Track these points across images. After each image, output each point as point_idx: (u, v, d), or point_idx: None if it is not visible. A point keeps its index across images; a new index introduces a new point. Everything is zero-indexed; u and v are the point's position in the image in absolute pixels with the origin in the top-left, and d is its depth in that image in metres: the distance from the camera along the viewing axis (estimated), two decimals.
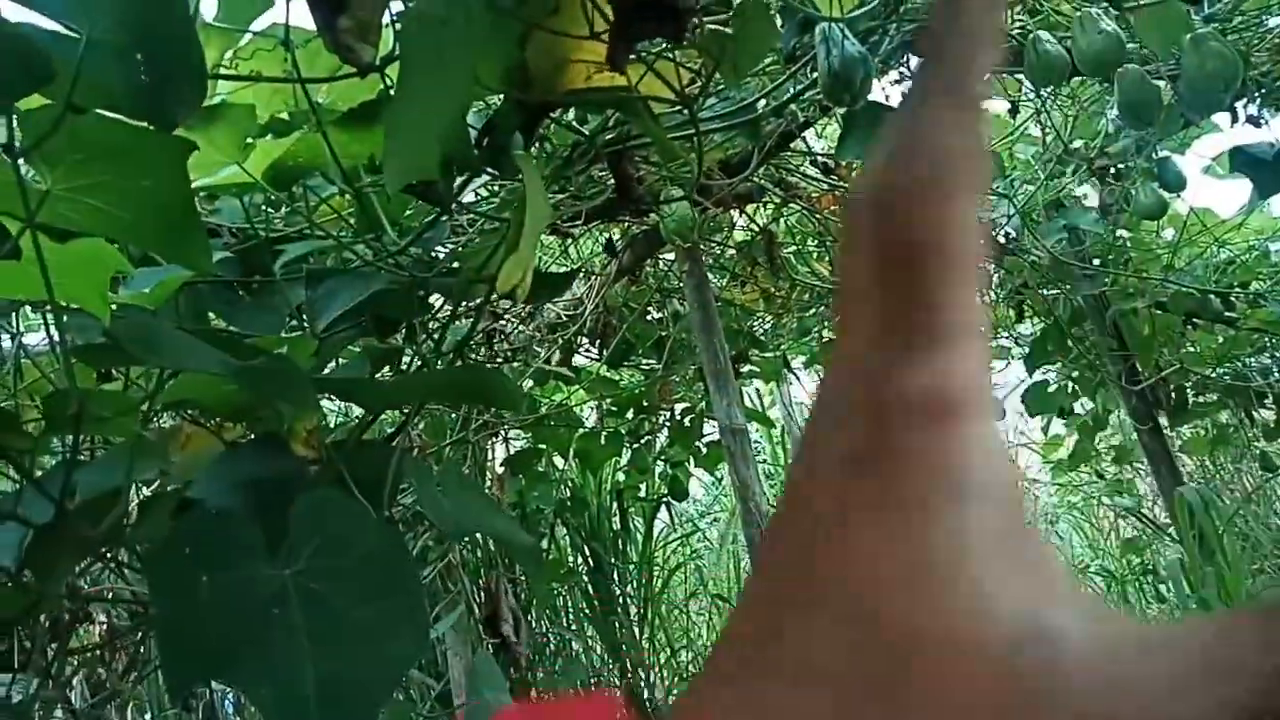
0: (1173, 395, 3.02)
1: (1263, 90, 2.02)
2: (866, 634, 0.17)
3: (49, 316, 0.82)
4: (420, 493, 0.74)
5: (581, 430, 3.02)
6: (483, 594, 2.00)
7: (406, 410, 0.99)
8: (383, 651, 0.55)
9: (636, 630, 3.02)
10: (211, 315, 1.05)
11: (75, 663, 1.17)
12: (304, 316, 1.01)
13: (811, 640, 0.18)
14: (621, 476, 3.26)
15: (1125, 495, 3.84)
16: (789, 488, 0.21)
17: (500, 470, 2.74)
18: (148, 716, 2.05)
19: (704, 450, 3.27)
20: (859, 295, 0.21)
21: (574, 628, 3.03)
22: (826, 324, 3.66)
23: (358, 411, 1.32)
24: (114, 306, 0.79)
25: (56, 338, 0.68)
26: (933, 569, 0.17)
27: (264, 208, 1.23)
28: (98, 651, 1.09)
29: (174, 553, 0.61)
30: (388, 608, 0.57)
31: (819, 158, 2.52)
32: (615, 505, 3.22)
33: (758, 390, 4.35)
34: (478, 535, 2.43)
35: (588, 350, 2.94)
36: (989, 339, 0.23)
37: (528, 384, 2.96)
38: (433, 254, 1.23)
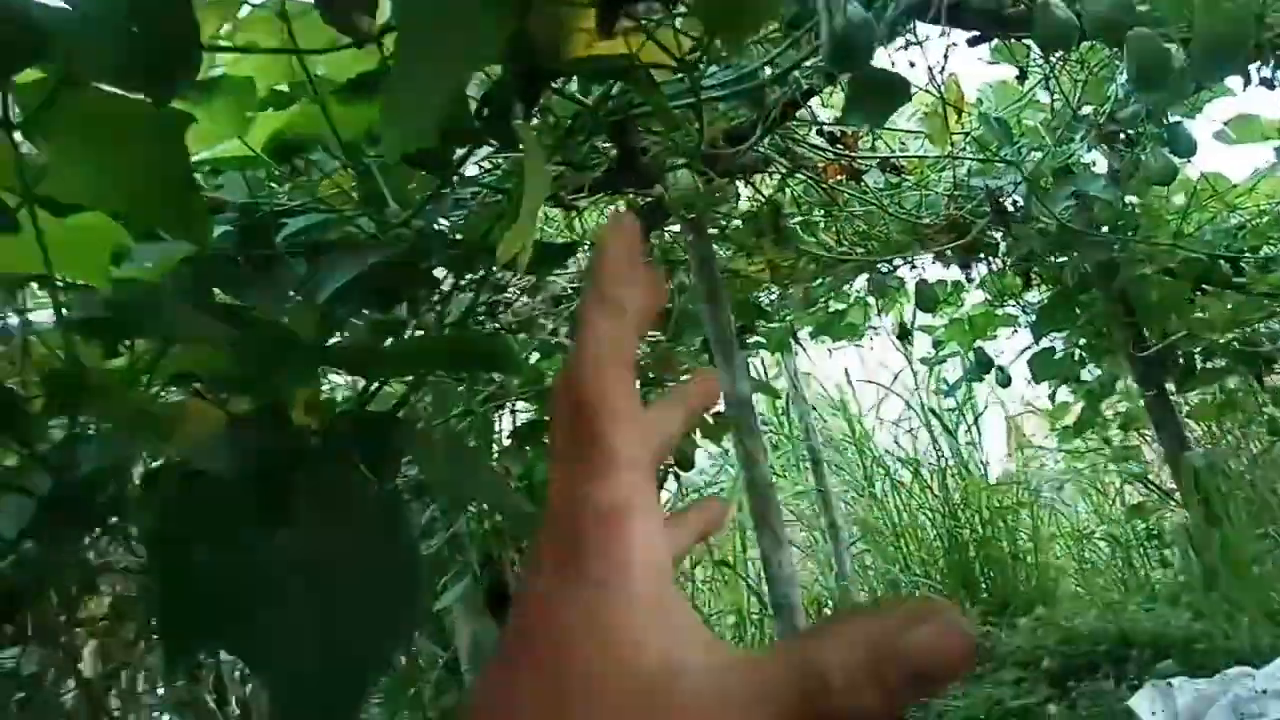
0: (1180, 361, 3.01)
1: (1277, 52, 1.98)
2: (557, 676, 0.26)
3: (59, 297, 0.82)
4: (422, 463, 0.75)
5: None
6: (483, 567, 2.02)
7: (410, 381, 1.00)
8: (383, 621, 0.56)
9: None
10: (217, 291, 1.05)
11: (85, 633, 1.18)
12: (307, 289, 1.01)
13: (518, 686, 0.27)
14: None
15: (1132, 462, 3.84)
16: (525, 572, 0.32)
17: (508, 443, 2.75)
18: (160, 688, 2.08)
19: (710, 422, 3.27)
20: (558, 439, 0.32)
21: None
22: (834, 294, 3.65)
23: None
24: (116, 281, 0.79)
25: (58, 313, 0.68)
26: (607, 626, 0.27)
27: (268, 182, 1.22)
28: (106, 622, 1.10)
29: (172, 524, 0.61)
30: (389, 578, 0.58)
31: (824, 126, 2.50)
32: None
33: (763, 361, 4.35)
34: (485, 506, 2.44)
35: None
36: (658, 460, 0.34)
37: (534, 357, 2.96)
38: (435, 226, 1.23)
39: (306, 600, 0.55)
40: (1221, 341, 3.19)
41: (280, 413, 0.83)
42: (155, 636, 1.18)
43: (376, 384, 1.09)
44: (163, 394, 1.12)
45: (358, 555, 0.58)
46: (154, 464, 0.91)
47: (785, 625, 2.03)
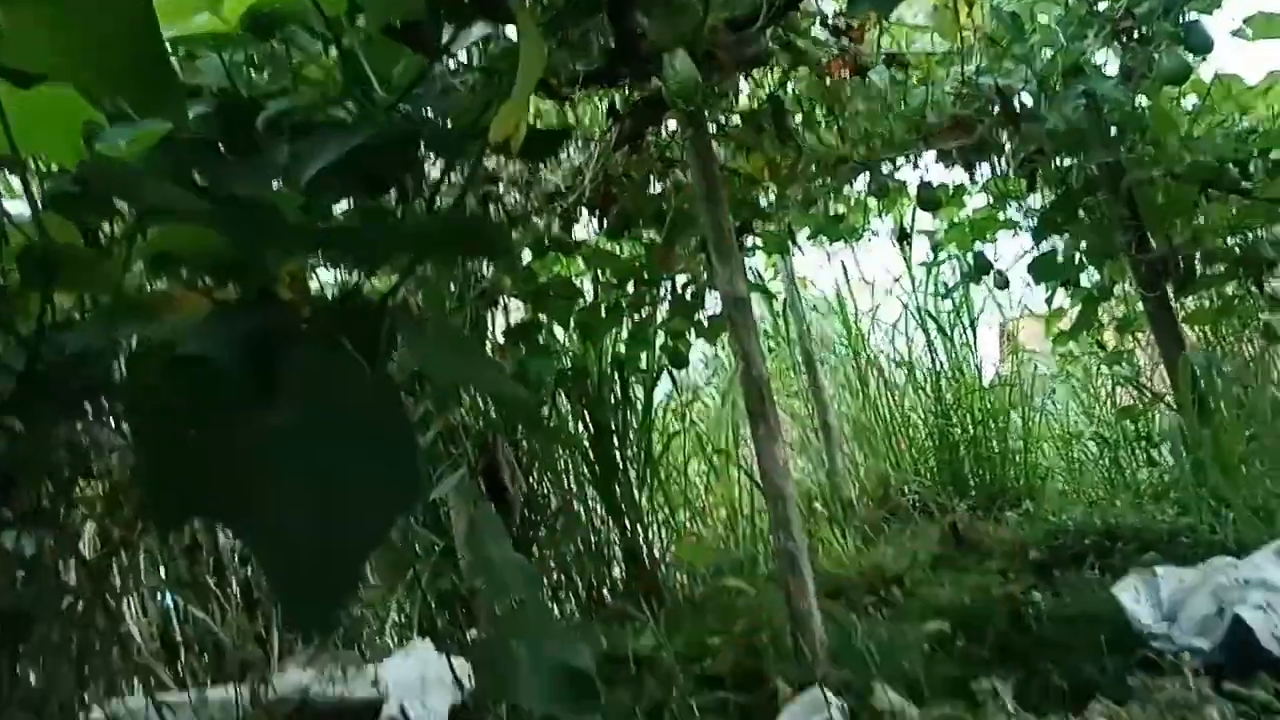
0: (1181, 266, 2.99)
1: None
2: None
3: (28, 176, 0.79)
4: (414, 347, 0.74)
5: (582, 303, 3.01)
6: (479, 451, 2.04)
7: (400, 270, 0.98)
8: (375, 498, 0.56)
9: (636, 492, 3.10)
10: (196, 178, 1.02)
11: (83, 515, 1.20)
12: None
13: None
14: (622, 348, 3.28)
15: (1124, 365, 3.86)
16: None
17: (501, 341, 2.75)
18: (161, 568, 2.13)
19: (705, 323, 3.27)
20: None
21: (575, 490, 3.10)
22: (833, 195, 3.59)
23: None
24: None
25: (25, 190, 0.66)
26: None
27: (246, 67, 1.18)
28: (102, 504, 1.12)
29: (159, 401, 0.61)
30: (380, 456, 0.57)
31: (829, 19, 2.41)
32: (616, 375, 3.24)
33: (757, 268, 4.31)
34: (479, 400, 2.46)
35: (588, 222, 2.89)
36: None
37: (526, 256, 2.93)
38: (424, 111, 1.19)
39: (299, 477, 0.55)
40: (1223, 247, 3.15)
41: (268, 298, 0.81)
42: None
43: (365, 275, 1.08)
44: (148, 284, 1.11)
45: (350, 433, 0.58)
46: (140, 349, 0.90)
47: (778, 515, 2.07)
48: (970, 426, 4.02)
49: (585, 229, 2.93)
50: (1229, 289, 3.53)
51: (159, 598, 2.28)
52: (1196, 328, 3.74)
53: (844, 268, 4.40)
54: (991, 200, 3.64)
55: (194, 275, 1.03)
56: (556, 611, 2.75)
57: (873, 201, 3.65)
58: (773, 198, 3.11)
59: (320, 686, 2.08)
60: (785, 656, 2.07)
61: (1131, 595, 2.01)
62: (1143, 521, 2.53)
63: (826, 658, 1.98)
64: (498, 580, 1.09)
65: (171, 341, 0.79)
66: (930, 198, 3.03)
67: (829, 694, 1.75)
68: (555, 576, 2.98)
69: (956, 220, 3.75)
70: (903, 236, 3.73)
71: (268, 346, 0.69)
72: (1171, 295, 3.08)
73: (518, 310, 2.98)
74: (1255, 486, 2.54)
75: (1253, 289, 3.32)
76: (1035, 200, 3.47)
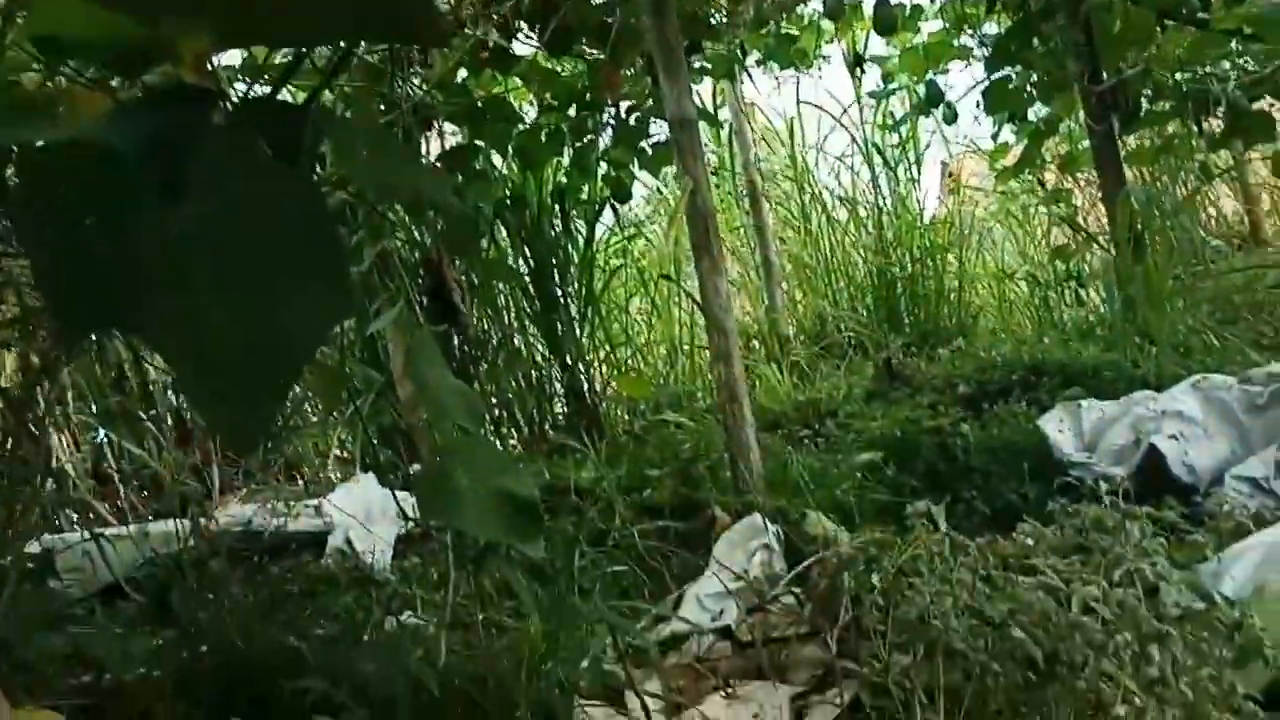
0: (1129, 101, 2.96)
1: None
2: None
3: None
4: (342, 151, 0.66)
5: (521, 126, 2.86)
6: (423, 271, 1.96)
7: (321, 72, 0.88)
8: (302, 309, 0.50)
9: (577, 328, 3.07)
10: None
11: None
12: None
13: None
14: (563, 178, 3.16)
15: (1062, 205, 3.88)
16: None
17: (436, 166, 2.61)
18: (90, 402, 2.06)
19: (649, 152, 3.15)
20: None
21: (515, 325, 3.06)
22: (786, 16, 3.41)
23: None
24: None
25: None
26: None
27: None
28: (17, 329, 1.04)
29: (59, 204, 0.53)
30: (306, 264, 0.52)
31: None
32: (557, 207, 3.14)
33: (710, 89, 4.14)
34: (414, 230, 2.36)
35: (527, 36, 2.70)
36: None
37: (462, 74, 2.75)
38: None
39: (211, 285, 0.49)
40: (1171, 83, 3.12)
41: (175, 96, 0.72)
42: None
43: (283, 81, 0.97)
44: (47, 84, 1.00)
45: (268, 241, 0.52)
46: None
47: (719, 348, 2.07)
48: (909, 264, 4.05)
49: (524, 47, 2.75)
50: (1170, 128, 3.54)
51: (92, 434, 2.22)
52: (1135, 168, 3.76)
53: (797, 90, 4.23)
54: (947, 27, 3.52)
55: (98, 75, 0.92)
56: (499, 446, 2.76)
57: (826, 25, 3.49)
58: (724, 17, 2.94)
59: (263, 519, 2.08)
60: (723, 486, 2.13)
61: (1055, 426, 2.08)
62: (1068, 357, 2.60)
63: (763, 486, 2.04)
64: (437, 406, 1.06)
65: (70, 142, 0.70)
66: (886, 17, 2.90)
67: (765, 520, 1.81)
68: (497, 412, 2.98)
69: (910, 47, 3.63)
70: (856, 62, 3.60)
71: (176, 145, 0.61)
72: (1117, 130, 3.06)
73: (454, 135, 2.83)
74: (1178, 323, 2.62)
75: (1192, 128, 3.32)
76: (991, 28, 3.36)
